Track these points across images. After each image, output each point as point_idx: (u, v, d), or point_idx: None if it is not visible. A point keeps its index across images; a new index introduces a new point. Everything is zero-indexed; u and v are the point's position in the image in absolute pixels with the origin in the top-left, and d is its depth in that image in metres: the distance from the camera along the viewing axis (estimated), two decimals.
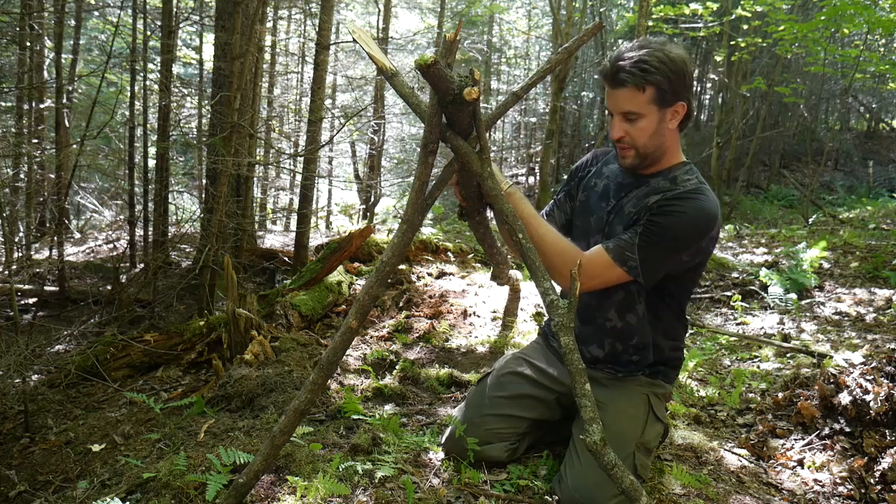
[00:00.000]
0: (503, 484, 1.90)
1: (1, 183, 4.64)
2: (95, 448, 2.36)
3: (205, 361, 3.23)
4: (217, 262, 4.32)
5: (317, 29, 6.16)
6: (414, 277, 4.28)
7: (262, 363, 2.80)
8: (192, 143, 8.69)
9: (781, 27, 8.18)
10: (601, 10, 16.19)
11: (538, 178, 11.79)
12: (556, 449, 2.10)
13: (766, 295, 4.73)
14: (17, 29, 5.70)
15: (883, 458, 2.10)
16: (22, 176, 6.70)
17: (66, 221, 8.12)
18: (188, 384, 3.05)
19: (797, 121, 16.90)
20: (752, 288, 4.92)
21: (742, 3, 8.52)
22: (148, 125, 6.44)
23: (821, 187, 14.27)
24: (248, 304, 3.06)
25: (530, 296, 3.83)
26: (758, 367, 3.40)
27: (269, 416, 2.34)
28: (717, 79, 13.60)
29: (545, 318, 2.41)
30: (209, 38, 9.63)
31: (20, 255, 5.25)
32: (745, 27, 10.22)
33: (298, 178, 8.12)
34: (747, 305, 4.67)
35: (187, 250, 6.22)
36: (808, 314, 4.40)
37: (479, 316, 3.71)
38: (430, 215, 8.47)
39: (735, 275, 5.32)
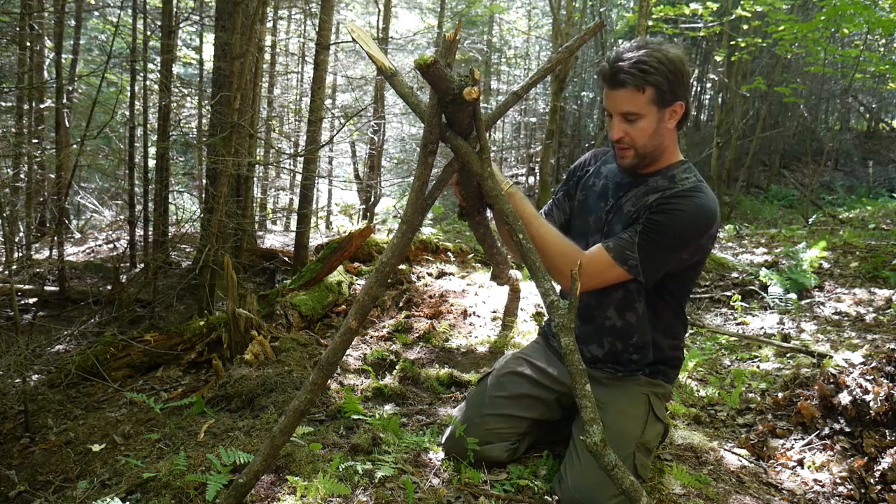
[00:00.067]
0: (503, 484, 1.90)
1: (1, 183, 4.64)
2: (95, 448, 2.36)
3: (205, 361, 3.23)
4: (217, 262, 4.32)
5: (317, 29, 6.16)
6: (414, 277, 4.28)
7: (262, 363, 2.81)
8: (192, 143, 8.69)
9: (781, 27, 8.18)
10: (601, 10, 16.19)
11: (538, 178, 11.79)
12: (556, 449, 2.10)
13: (765, 295, 4.73)
14: (17, 29, 5.70)
15: (883, 458, 2.10)
16: (22, 176, 6.69)
17: (67, 221, 8.12)
18: (188, 384, 3.05)
19: (797, 121, 16.90)
20: (752, 288, 4.92)
21: (742, 3, 8.52)
22: (148, 125, 6.44)
23: (821, 187, 14.27)
24: (248, 304, 3.06)
25: (530, 296, 3.83)
26: (758, 367, 3.40)
27: (269, 416, 2.34)
28: (717, 79, 13.60)
29: (545, 318, 2.41)
30: (209, 38, 9.63)
31: (20, 255, 5.25)
32: (745, 27, 10.22)
33: (298, 178, 8.12)
34: (747, 305, 4.67)
35: (187, 250, 6.22)
36: (807, 314, 4.40)
37: (479, 316, 3.71)
38: (430, 215, 8.47)
39: (735, 275, 5.32)
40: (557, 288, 1.78)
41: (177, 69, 10.97)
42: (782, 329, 4.12)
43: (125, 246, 6.42)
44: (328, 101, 11.83)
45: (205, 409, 2.49)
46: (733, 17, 9.31)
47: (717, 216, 1.81)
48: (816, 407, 2.49)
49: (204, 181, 6.43)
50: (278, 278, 5.95)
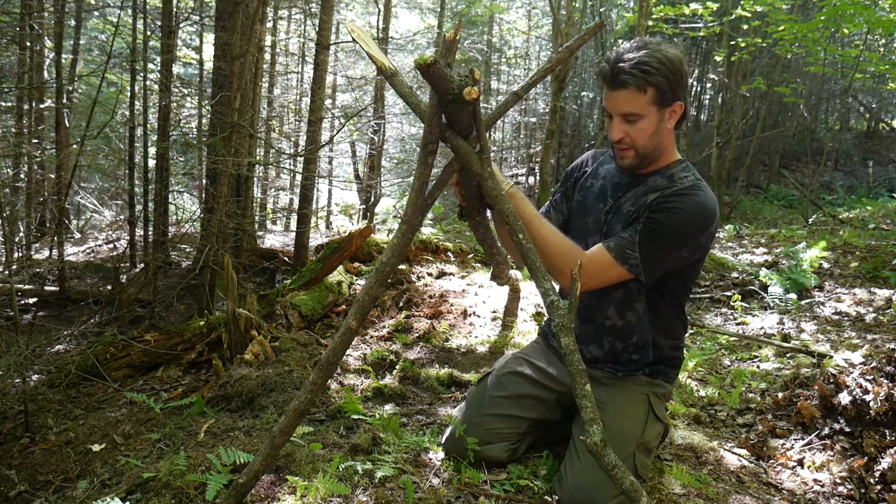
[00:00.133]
0: (503, 484, 1.90)
1: (1, 183, 4.64)
2: (95, 448, 2.36)
3: (205, 361, 3.23)
4: (217, 262, 4.32)
5: (317, 29, 6.16)
6: (414, 277, 4.28)
7: (262, 363, 2.81)
8: (192, 143, 8.69)
9: (781, 27, 8.18)
10: (601, 10, 16.18)
11: (538, 178, 11.79)
12: (556, 449, 2.10)
13: (765, 295, 4.73)
14: (17, 29, 5.70)
15: (883, 458, 2.10)
16: (22, 176, 6.69)
17: (67, 221, 8.12)
18: (188, 384, 3.05)
19: (797, 121, 16.90)
20: (752, 288, 4.92)
21: (742, 3, 8.52)
22: (148, 125, 6.44)
23: (821, 187, 14.27)
24: (248, 304, 3.06)
25: (530, 296, 3.83)
26: (758, 367, 3.40)
27: (269, 416, 2.34)
28: (717, 79, 13.60)
29: (545, 318, 2.41)
30: (209, 38, 9.63)
31: (20, 255, 5.25)
32: (745, 27, 10.22)
33: (298, 178, 8.12)
34: (747, 305, 4.67)
35: (187, 250, 6.22)
36: (807, 314, 4.40)
37: (479, 316, 3.71)
38: (430, 215, 8.47)
39: (735, 275, 5.32)
40: (557, 287, 1.78)
41: (177, 69, 10.98)
42: (782, 329, 4.12)
43: (125, 246, 6.42)
44: (328, 101, 11.83)
45: (205, 409, 2.49)
46: (733, 17, 9.31)
47: (717, 214, 1.82)
48: (816, 407, 2.49)
49: (204, 181, 6.43)
50: (278, 278, 5.95)
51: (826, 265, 5.33)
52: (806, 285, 4.77)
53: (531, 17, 19.16)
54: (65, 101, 7.30)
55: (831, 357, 3.08)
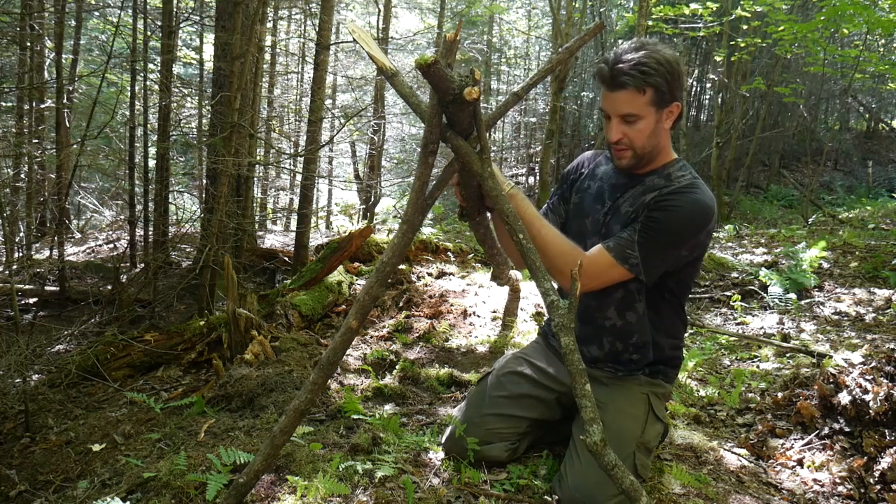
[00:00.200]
0: (503, 484, 1.90)
1: (1, 183, 4.64)
2: (96, 448, 2.37)
3: (205, 361, 3.23)
4: (217, 262, 4.32)
5: (317, 29, 6.16)
6: (414, 277, 4.28)
7: (262, 363, 2.81)
8: (193, 143, 8.69)
9: (781, 27, 8.18)
10: (601, 10, 16.19)
11: (538, 178, 11.79)
12: (556, 448, 2.10)
13: (765, 295, 4.73)
14: (18, 29, 5.70)
15: (882, 458, 2.10)
16: (22, 176, 6.69)
17: (67, 221, 8.12)
18: (188, 384, 3.05)
19: (797, 121, 16.90)
20: (752, 288, 4.92)
21: (742, 3, 8.52)
22: (148, 125, 6.44)
23: (820, 187, 14.27)
24: (248, 304, 3.06)
25: (530, 296, 3.83)
26: (757, 366, 3.40)
27: (269, 415, 2.34)
28: (716, 79, 13.60)
29: (545, 318, 2.41)
30: (209, 38, 9.63)
31: (20, 255, 5.25)
32: (745, 27, 10.22)
33: (298, 178, 8.12)
34: (747, 305, 4.67)
35: (187, 250, 6.22)
36: (807, 314, 4.41)
37: (479, 316, 3.71)
38: (430, 215, 8.47)
39: (735, 275, 5.32)
40: (557, 287, 1.78)
41: (177, 69, 10.97)
42: (782, 329, 4.12)
43: (125, 246, 6.42)
44: (328, 101, 11.83)
45: (205, 408, 2.49)
46: (733, 17, 9.31)
47: (715, 212, 1.83)
48: (816, 407, 2.49)
49: (204, 181, 6.43)
50: (278, 278, 5.95)
51: (826, 265, 5.33)
52: (806, 285, 4.77)
53: (531, 18, 19.17)
54: (65, 101, 7.29)
55: (831, 357, 3.08)
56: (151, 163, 6.65)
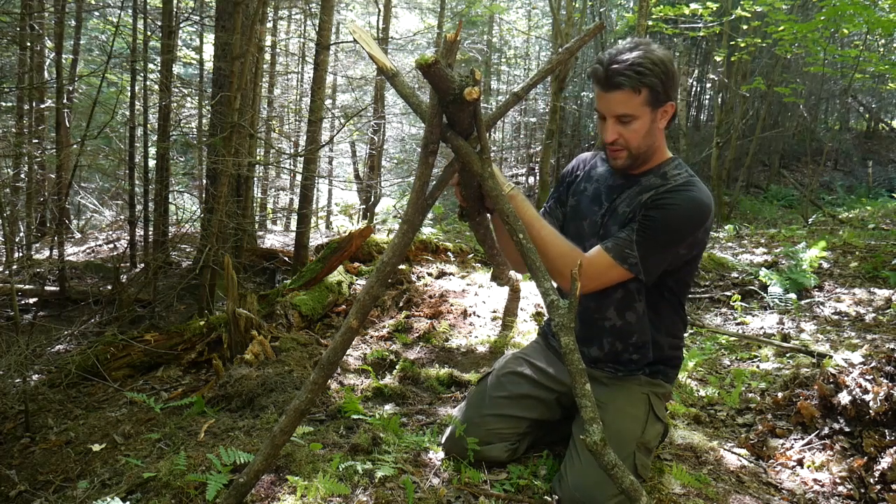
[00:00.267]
0: (503, 484, 1.90)
1: (1, 183, 4.64)
2: (96, 448, 2.37)
3: (205, 361, 3.23)
4: (217, 262, 4.32)
5: (317, 29, 6.16)
6: (414, 277, 4.28)
7: (262, 363, 2.81)
8: (192, 143, 8.69)
9: (781, 27, 8.18)
10: (601, 10, 16.19)
11: (538, 178, 11.79)
12: (556, 448, 2.10)
13: (765, 295, 4.73)
14: (18, 29, 5.70)
15: (882, 458, 2.10)
16: (22, 176, 6.69)
17: (67, 221, 8.12)
18: (188, 384, 3.05)
19: (797, 121, 16.90)
20: (752, 288, 4.92)
21: (742, 3, 8.52)
22: (148, 125, 6.44)
23: (820, 187, 14.27)
24: (248, 304, 3.06)
25: (530, 296, 3.83)
26: (757, 366, 3.40)
27: (269, 415, 2.34)
28: (717, 79, 13.60)
29: (545, 318, 2.41)
30: (209, 38, 9.63)
31: (20, 255, 5.25)
32: (745, 27, 10.22)
33: (298, 178, 8.12)
34: (747, 305, 4.67)
35: (187, 250, 6.22)
36: (807, 314, 4.41)
37: (479, 316, 3.71)
38: (430, 215, 8.47)
39: (735, 275, 5.32)
40: (556, 287, 1.78)
41: (177, 69, 10.98)
42: (782, 329, 4.12)
43: (125, 246, 6.42)
44: (328, 101, 11.83)
45: (205, 408, 2.49)
46: (733, 17, 9.31)
47: (712, 209, 1.83)
48: (816, 407, 2.49)
49: (204, 181, 6.43)
50: (278, 278, 5.95)
51: (826, 265, 5.33)
52: (806, 285, 4.77)
53: (531, 18, 19.17)
54: (65, 101, 7.29)
55: (831, 357, 3.08)
56: (151, 163, 6.65)
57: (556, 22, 9.40)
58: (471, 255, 5.07)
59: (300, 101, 12.47)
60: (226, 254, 3.44)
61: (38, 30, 6.38)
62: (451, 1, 14.85)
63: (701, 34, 10.50)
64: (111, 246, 7.31)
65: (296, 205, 9.50)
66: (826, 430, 2.38)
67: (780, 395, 2.79)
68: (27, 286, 5.39)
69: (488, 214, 2.03)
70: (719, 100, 13.70)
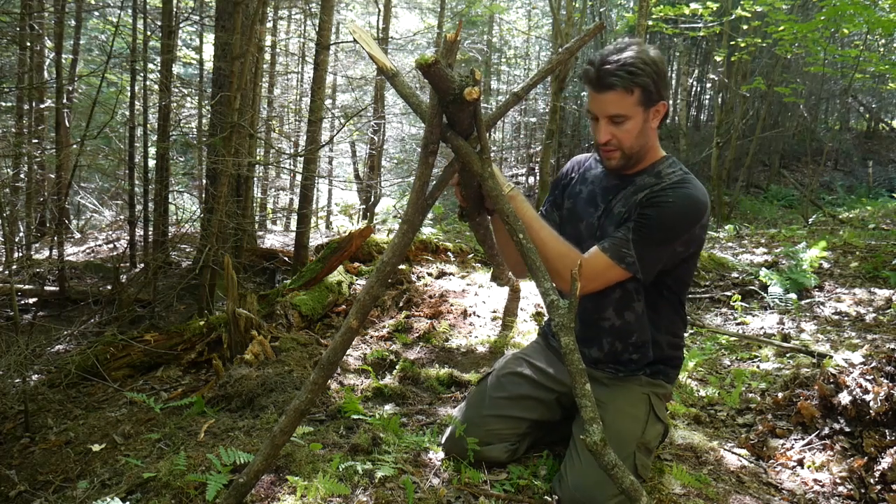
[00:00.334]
0: (503, 484, 1.90)
1: (1, 183, 4.64)
2: (95, 448, 2.36)
3: (205, 361, 3.23)
4: (217, 262, 4.32)
5: (317, 29, 6.16)
6: (414, 277, 4.28)
7: (262, 363, 2.81)
8: (192, 143, 8.69)
9: (781, 27, 8.18)
10: (601, 10, 16.19)
11: (538, 178, 11.79)
12: (556, 449, 2.10)
13: (765, 295, 4.73)
14: (18, 29, 5.70)
15: (883, 458, 2.10)
16: (22, 176, 6.69)
17: (66, 221, 8.12)
18: (188, 384, 3.05)
19: (797, 121, 16.91)
20: (752, 288, 4.92)
21: (742, 3, 8.52)
22: (148, 125, 6.44)
23: (820, 187, 14.28)
24: (248, 304, 3.06)
25: (530, 296, 3.83)
26: (758, 367, 3.40)
27: (269, 415, 2.34)
28: (717, 79, 13.60)
29: (545, 318, 2.41)
30: (209, 38, 9.63)
31: (20, 255, 5.25)
32: (745, 27, 10.22)
33: (298, 178, 8.12)
34: (747, 305, 4.67)
35: (187, 250, 6.22)
36: (807, 314, 4.40)
37: (479, 316, 3.71)
38: (430, 215, 8.47)
39: (735, 275, 5.32)
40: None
41: (177, 69, 10.98)
42: (782, 329, 4.12)
43: (125, 246, 6.42)
44: (328, 101, 11.83)
45: (205, 408, 2.49)
46: (733, 17, 9.31)
47: (708, 205, 1.83)
48: (816, 407, 2.49)
49: (204, 181, 6.43)
50: (278, 278, 5.95)
51: (826, 265, 5.33)
52: (806, 285, 4.77)
53: (531, 17, 19.18)
54: (65, 101, 7.30)
55: (831, 357, 3.08)
56: (151, 163, 6.65)
57: (556, 22, 9.40)
58: (471, 255, 5.07)
59: (300, 101, 12.47)
60: (226, 254, 3.44)
61: (38, 30, 6.38)
62: (451, 1, 14.85)
63: (701, 34, 10.50)
64: (111, 246, 7.31)
65: (296, 205, 9.50)
66: (826, 431, 2.38)
67: (780, 395, 2.79)
68: (27, 286, 5.39)
69: (488, 216, 2.03)
70: (719, 100, 13.70)
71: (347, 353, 2.91)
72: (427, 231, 6.20)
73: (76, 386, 3.17)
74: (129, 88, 6.15)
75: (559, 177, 2.16)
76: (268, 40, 9.71)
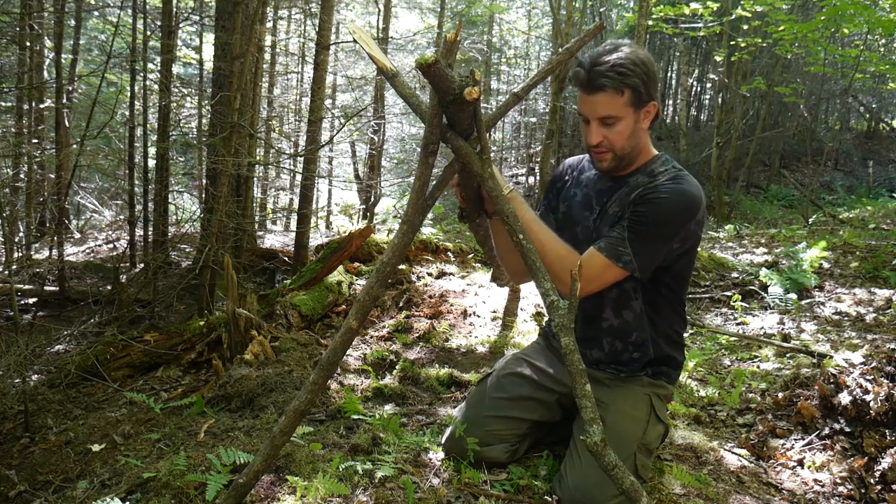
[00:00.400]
0: (503, 484, 1.90)
1: (1, 183, 4.64)
2: (95, 448, 2.36)
3: (205, 361, 3.23)
4: (217, 262, 4.32)
5: (317, 29, 6.16)
6: (414, 277, 4.28)
7: (262, 363, 2.81)
8: (192, 143, 8.69)
9: (781, 27, 8.18)
10: (601, 10, 16.19)
11: (538, 178, 11.79)
12: (556, 449, 2.10)
13: (766, 295, 4.73)
14: (17, 29, 5.70)
15: (883, 458, 2.10)
16: (22, 176, 6.69)
17: (66, 221, 8.12)
18: (188, 384, 3.05)
19: (797, 121, 16.90)
20: (752, 288, 4.92)
21: (742, 3, 8.52)
22: (148, 125, 6.44)
23: (821, 187, 14.28)
24: (248, 304, 3.06)
25: (530, 296, 3.83)
26: (758, 367, 3.40)
27: (269, 416, 2.34)
28: (717, 79, 13.59)
29: (546, 319, 2.40)
30: (209, 38, 9.63)
31: (20, 255, 5.25)
32: (745, 27, 10.22)
33: (298, 178, 8.12)
34: (747, 305, 4.67)
35: (187, 250, 6.22)
36: (808, 314, 4.40)
37: (479, 316, 3.71)
38: (430, 215, 8.47)
39: (735, 275, 5.32)
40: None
41: (177, 69, 10.97)
42: (782, 329, 4.12)
43: (125, 246, 6.42)
44: (328, 101, 11.82)
45: (205, 409, 2.49)
46: (733, 17, 9.31)
47: (702, 201, 1.82)
48: (816, 407, 2.49)
49: (204, 181, 6.43)
50: (278, 278, 5.95)
51: (826, 265, 5.33)
52: (806, 285, 4.77)
53: (531, 17, 19.19)
54: (65, 101, 7.30)
55: (831, 357, 3.08)
56: (151, 163, 6.65)
57: (556, 22, 9.40)
58: (471, 255, 5.07)
59: (300, 101, 12.47)
60: (226, 254, 3.44)
61: (38, 29, 6.38)
62: (451, 1, 14.85)
63: (701, 34, 10.50)
64: (111, 246, 7.31)
65: (296, 205, 9.50)
66: (826, 431, 2.38)
67: (780, 395, 2.79)
68: (27, 286, 5.39)
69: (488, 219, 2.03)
70: (719, 100, 13.70)
71: (347, 353, 2.91)
72: (427, 231, 6.20)
73: (76, 386, 3.17)
74: (128, 88, 6.16)
75: (553, 179, 2.16)
76: (268, 40, 9.71)
